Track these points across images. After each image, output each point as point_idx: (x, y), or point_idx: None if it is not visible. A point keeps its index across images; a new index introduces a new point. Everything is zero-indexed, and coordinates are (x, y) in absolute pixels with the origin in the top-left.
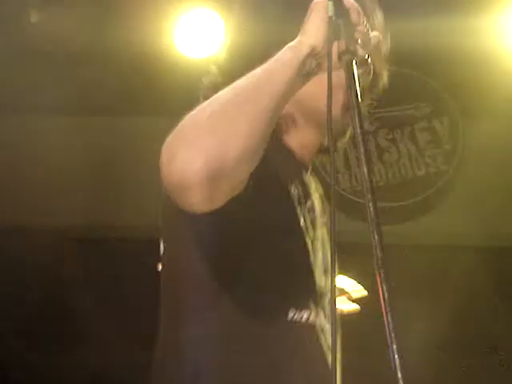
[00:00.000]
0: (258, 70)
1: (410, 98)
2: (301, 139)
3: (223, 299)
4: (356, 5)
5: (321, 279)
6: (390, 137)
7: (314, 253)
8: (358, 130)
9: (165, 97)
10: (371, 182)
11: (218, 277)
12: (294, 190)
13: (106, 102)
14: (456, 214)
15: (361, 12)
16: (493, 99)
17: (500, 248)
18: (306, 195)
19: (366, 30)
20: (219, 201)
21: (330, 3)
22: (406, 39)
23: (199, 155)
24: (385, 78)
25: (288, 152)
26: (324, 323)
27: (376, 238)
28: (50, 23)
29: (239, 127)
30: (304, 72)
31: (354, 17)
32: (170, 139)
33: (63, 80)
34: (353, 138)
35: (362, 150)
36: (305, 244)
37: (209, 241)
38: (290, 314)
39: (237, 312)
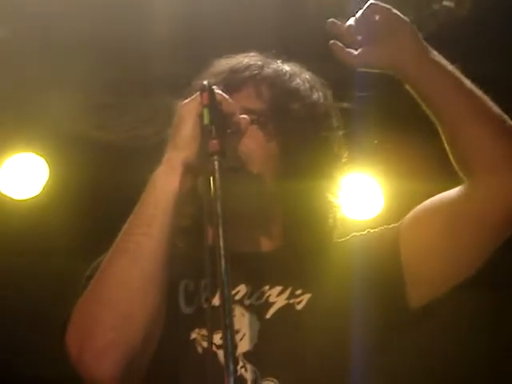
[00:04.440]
0: (138, 213)
1: None
2: None
3: None
4: (225, 95)
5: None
6: None
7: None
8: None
9: None
10: None
11: None
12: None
13: None
14: None
15: (230, 100)
16: None
17: None
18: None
19: (238, 118)
20: (140, 376)
21: (207, 111)
22: None
23: (106, 362)
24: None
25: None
26: None
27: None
28: None
29: (135, 311)
30: (183, 191)
31: (226, 108)
32: (72, 332)
33: None
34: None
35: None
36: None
37: None
38: None
39: None
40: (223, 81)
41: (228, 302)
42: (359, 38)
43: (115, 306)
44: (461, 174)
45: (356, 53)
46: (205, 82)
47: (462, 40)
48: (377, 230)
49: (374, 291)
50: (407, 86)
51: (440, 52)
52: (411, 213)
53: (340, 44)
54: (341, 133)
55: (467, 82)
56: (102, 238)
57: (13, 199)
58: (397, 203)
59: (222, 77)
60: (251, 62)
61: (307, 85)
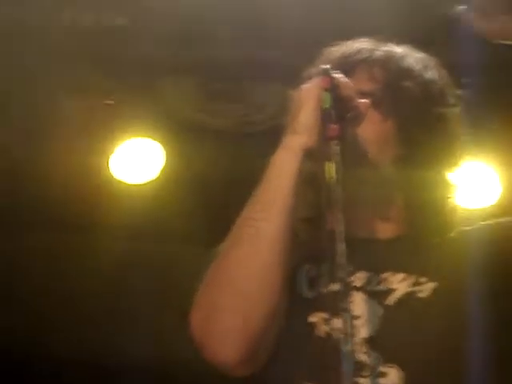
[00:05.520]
0: (260, 194)
1: None
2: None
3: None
4: (345, 78)
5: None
6: None
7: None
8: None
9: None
10: None
11: None
12: (306, 273)
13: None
14: None
15: (351, 84)
16: None
17: None
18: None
19: (357, 102)
20: (264, 358)
21: (328, 95)
22: None
23: (229, 346)
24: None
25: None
26: None
27: None
28: None
29: (256, 297)
30: (302, 176)
31: (345, 92)
32: (195, 317)
33: None
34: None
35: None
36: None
37: None
38: None
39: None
40: (335, 66)
41: (346, 286)
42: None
43: (237, 291)
44: None
45: (492, 22)
46: (325, 66)
47: None
48: (508, 220)
49: (501, 286)
50: None
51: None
52: None
53: (473, 13)
54: (458, 110)
55: None
56: (217, 225)
57: (127, 184)
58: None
59: (334, 63)
60: (362, 47)
61: (420, 64)
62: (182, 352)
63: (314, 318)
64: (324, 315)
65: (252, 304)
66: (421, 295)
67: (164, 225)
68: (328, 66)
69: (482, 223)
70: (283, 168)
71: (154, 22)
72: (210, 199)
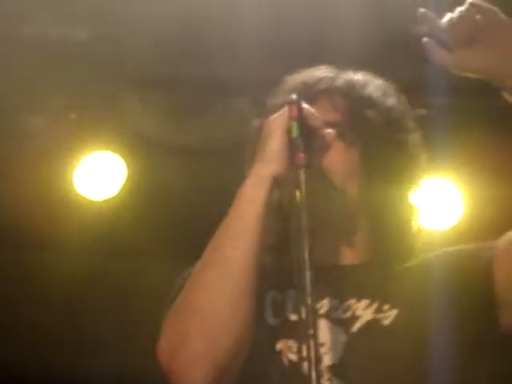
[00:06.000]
0: (225, 224)
1: None
2: None
3: None
4: (312, 110)
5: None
6: None
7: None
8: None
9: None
10: None
11: None
12: (272, 300)
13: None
14: None
15: (317, 114)
16: None
17: None
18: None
19: (323, 132)
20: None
21: (296, 124)
22: None
23: (196, 372)
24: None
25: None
26: None
27: None
28: None
29: (224, 324)
30: (269, 205)
31: (312, 122)
32: (163, 342)
33: None
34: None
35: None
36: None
37: None
38: None
39: None
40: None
41: (311, 313)
42: (455, 37)
43: (205, 318)
44: None
45: (452, 54)
46: (294, 96)
47: None
48: (468, 248)
49: (462, 312)
50: (505, 95)
51: None
52: (508, 236)
53: (434, 43)
54: (418, 135)
55: None
56: (179, 241)
57: (90, 199)
58: (478, 210)
59: (295, 92)
60: (322, 75)
61: (380, 91)
62: (146, 370)
63: (279, 345)
64: (289, 342)
65: (220, 331)
66: (384, 322)
67: (125, 240)
68: (295, 96)
69: (445, 249)
70: (252, 196)
71: (117, 37)
72: (173, 215)
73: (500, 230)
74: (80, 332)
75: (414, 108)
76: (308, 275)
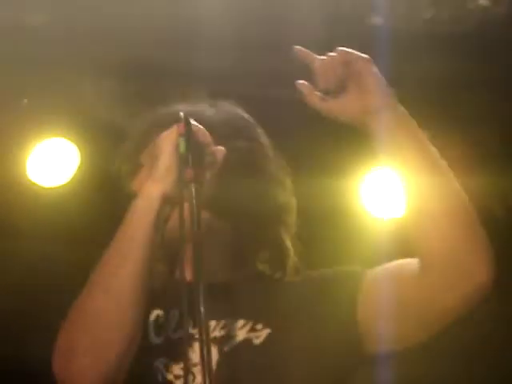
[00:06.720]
0: (116, 240)
1: None
2: None
3: None
4: (200, 126)
5: None
6: None
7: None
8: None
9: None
10: None
11: None
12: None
13: None
14: None
15: (205, 131)
16: None
17: None
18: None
19: (212, 148)
20: None
21: (183, 140)
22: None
23: (84, 381)
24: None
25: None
26: None
27: None
28: None
29: (110, 341)
30: (160, 220)
31: (201, 138)
32: (55, 356)
33: None
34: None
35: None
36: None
37: None
38: None
39: None
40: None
41: (187, 333)
42: (324, 84)
43: (92, 335)
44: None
45: (323, 101)
46: (181, 113)
47: (500, 38)
48: (340, 271)
49: (330, 335)
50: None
51: (478, 52)
52: (379, 272)
53: (309, 86)
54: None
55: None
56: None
57: (42, 186)
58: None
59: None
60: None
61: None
62: None
63: (157, 364)
64: (167, 361)
65: (106, 346)
66: (255, 342)
67: (77, 227)
68: (183, 113)
69: (327, 270)
70: (140, 217)
71: (71, 22)
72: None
73: None
74: (30, 318)
75: None
76: (188, 294)
